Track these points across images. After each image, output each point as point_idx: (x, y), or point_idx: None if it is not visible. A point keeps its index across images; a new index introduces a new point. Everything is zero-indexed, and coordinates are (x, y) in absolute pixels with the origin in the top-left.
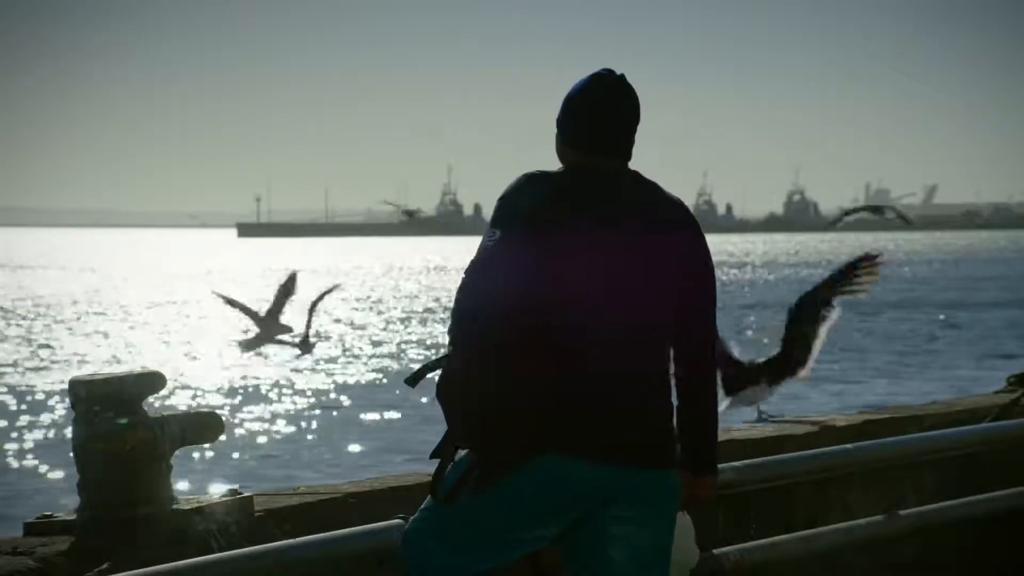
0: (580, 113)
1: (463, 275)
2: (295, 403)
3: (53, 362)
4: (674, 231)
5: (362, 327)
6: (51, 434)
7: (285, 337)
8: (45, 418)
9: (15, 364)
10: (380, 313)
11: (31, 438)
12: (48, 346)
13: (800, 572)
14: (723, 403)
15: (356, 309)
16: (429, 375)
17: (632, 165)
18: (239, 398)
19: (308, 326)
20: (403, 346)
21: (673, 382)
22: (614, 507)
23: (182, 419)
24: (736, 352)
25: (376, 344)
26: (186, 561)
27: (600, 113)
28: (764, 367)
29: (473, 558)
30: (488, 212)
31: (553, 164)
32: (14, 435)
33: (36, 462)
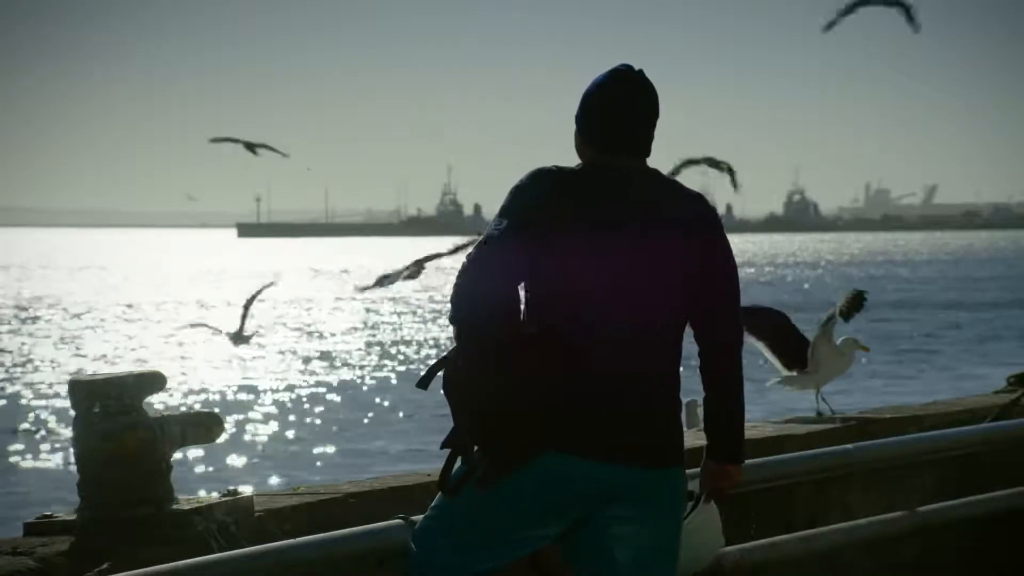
0: (597, 110)
1: (464, 263)
2: (295, 403)
3: (53, 362)
4: (686, 229)
5: (362, 327)
6: (51, 434)
7: (220, 327)
8: (45, 418)
9: (15, 364)
10: (380, 313)
11: (31, 438)
12: (48, 345)
13: (800, 572)
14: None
15: (356, 309)
16: (439, 374)
17: None
18: (239, 398)
19: (243, 320)
20: (404, 346)
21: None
22: (616, 506)
23: (182, 419)
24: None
25: (376, 344)
26: (186, 561)
27: (617, 110)
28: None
29: (479, 556)
30: (488, 212)
31: (554, 162)
32: (14, 435)
33: (36, 462)
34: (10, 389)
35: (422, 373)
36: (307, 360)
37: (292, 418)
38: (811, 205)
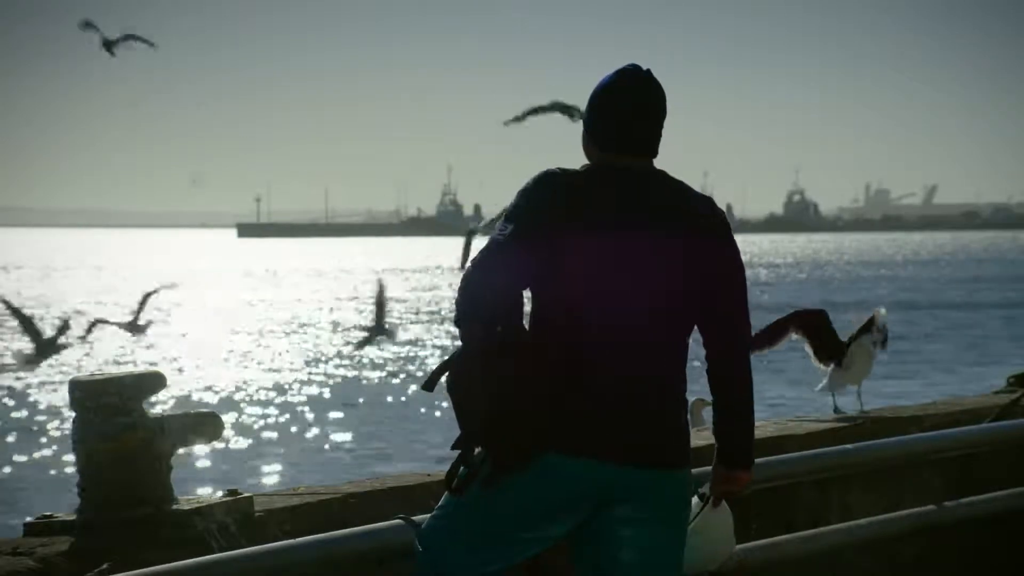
0: (605, 110)
1: (469, 266)
2: (295, 403)
3: (53, 362)
4: (695, 233)
5: (362, 327)
6: (51, 434)
7: (113, 319)
8: (45, 418)
9: (15, 364)
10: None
11: (31, 438)
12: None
13: (801, 572)
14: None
15: (356, 309)
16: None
17: None
18: (239, 398)
19: (139, 312)
20: (403, 346)
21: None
22: (621, 507)
23: (182, 419)
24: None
25: (377, 344)
26: (186, 561)
27: (625, 109)
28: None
29: (484, 557)
30: (488, 212)
31: (555, 163)
32: (14, 435)
33: (36, 462)
34: (10, 389)
35: (426, 375)
36: (307, 360)
37: (292, 418)
38: (811, 205)
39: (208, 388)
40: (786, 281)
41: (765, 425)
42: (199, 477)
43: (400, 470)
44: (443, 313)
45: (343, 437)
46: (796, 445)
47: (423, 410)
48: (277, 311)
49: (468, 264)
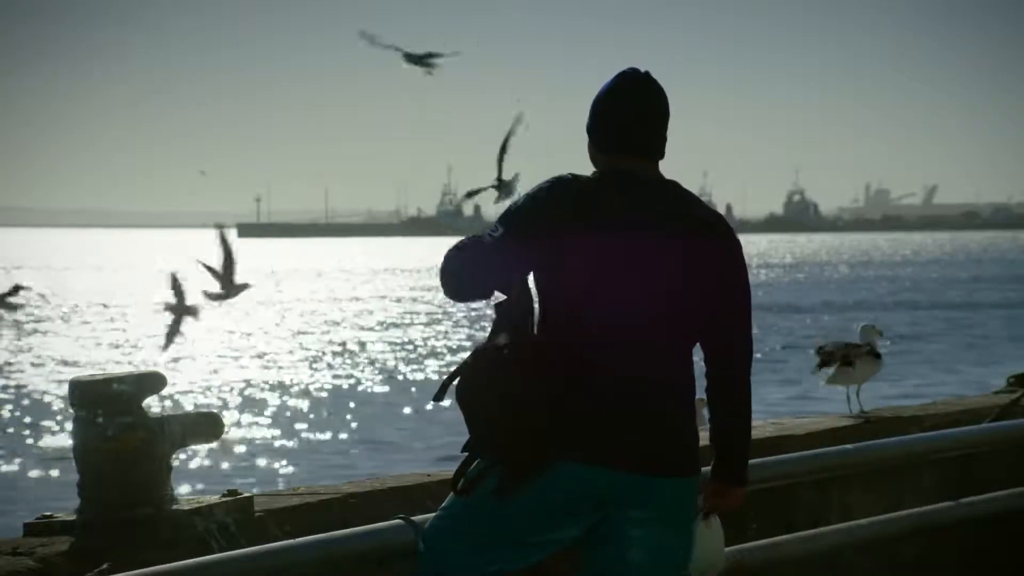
0: (608, 114)
1: (454, 251)
2: (295, 403)
3: (53, 362)
4: (695, 236)
5: (361, 327)
6: (51, 434)
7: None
8: (45, 418)
9: (15, 364)
10: (380, 313)
11: (31, 438)
12: (48, 346)
13: (801, 572)
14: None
15: (356, 309)
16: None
17: None
18: (239, 398)
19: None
20: (403, 346)
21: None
22: (630, 511)
23: (182, 419)
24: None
25: (376, 344)
26: (186, 561)
27: (628, 112)
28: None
29: (489, 559)
30: (487, 213)
31: (554, 165)
32: (14, 435)
33: (36, 462)
34: (10, 389)
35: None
36: (307, 360)
37: (292, 418)
38: (811, 205)
39: (208, 388)
40: (786, 281)
41: (765, 425)
42: (199, 477)
43: (400, 470)
44: (443, 313)
45: (343, 437)
46: (796, 445)
47: (423, 410)
48: (277, 311)
49: (454, 249)
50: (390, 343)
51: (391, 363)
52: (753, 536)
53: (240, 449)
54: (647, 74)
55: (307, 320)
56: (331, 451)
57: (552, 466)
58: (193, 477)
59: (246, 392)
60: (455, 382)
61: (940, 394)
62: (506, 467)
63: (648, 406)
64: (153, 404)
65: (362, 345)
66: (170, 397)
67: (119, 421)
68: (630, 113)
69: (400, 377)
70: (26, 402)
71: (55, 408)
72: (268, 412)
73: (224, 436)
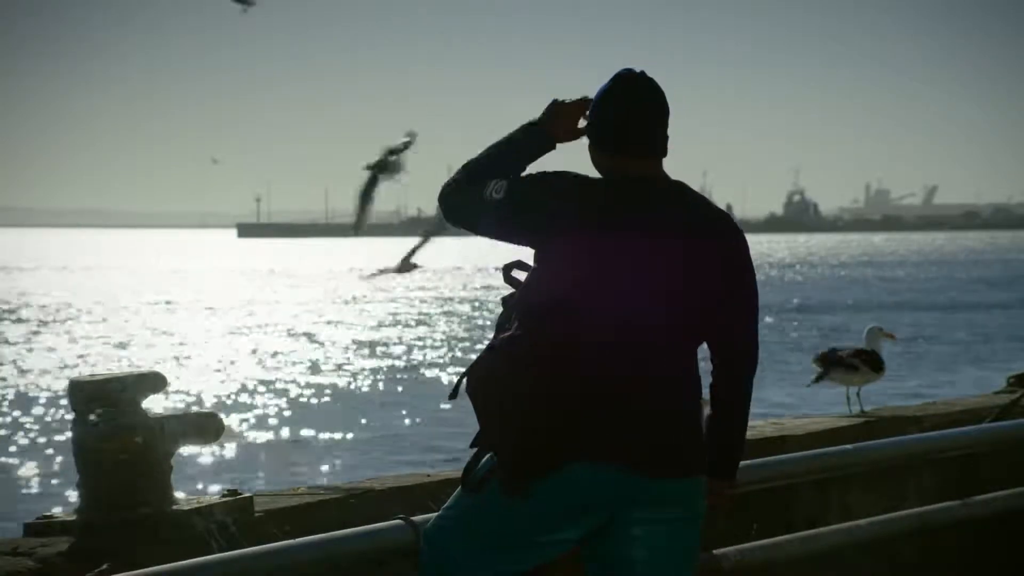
0: (607, 115)
1: (452, 187)
2: (295, 403)
3: (53, 362)
4: (700, 241)
5: (361, 327)
6: (51, 434)
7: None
8: (45, 418)
9: (15, 364)
10: (379, 313)
11: (31, 438)
12: (48, 346)
13: (800, 573)
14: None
15: (355, 310)
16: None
17: None
18: (239, 398)
19: None
20: (404, 346)
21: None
22: (637, 511)
23: (182, 419)
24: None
25: (377, 344)
26: (186, 561)
27: (627, 111)
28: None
29: (495, 559)
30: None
31: (555, 164)
32: (14, 435)
33: (36, 462)
34: (10, 389)
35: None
36: (307, 360)
37: (292, 418)
38: (811, 205)
39: (208, 388)
40: (785, 281)
41: (765, 425)
42: (199, 477)
43: (400, 470)
44: (443, 313)
45: (344, 437)
46: (796, 445)
47: (424, 410)
48: (277, 311)
49: (452, 184)
50: (390, 343)
51: (391, 363)
52: (753, 536)
53: (240, 449)
54: (643, 73)
55: (307, 320)
56: (331, 451)
57: (562, 466)
58: (193, 477)
59: (246, 392)
60: (467, 377)
61: (940, 394)
62: (515, 466)
63: (652, 406)
64: (153, 404)
65: (362, 345)
66: (170, 397)
67: (119, 421)
68: (626, 111)
69: (400, 377)
70: (26, 402)
71: (55, 408)
72: (268, 412)
73: (224, 436)
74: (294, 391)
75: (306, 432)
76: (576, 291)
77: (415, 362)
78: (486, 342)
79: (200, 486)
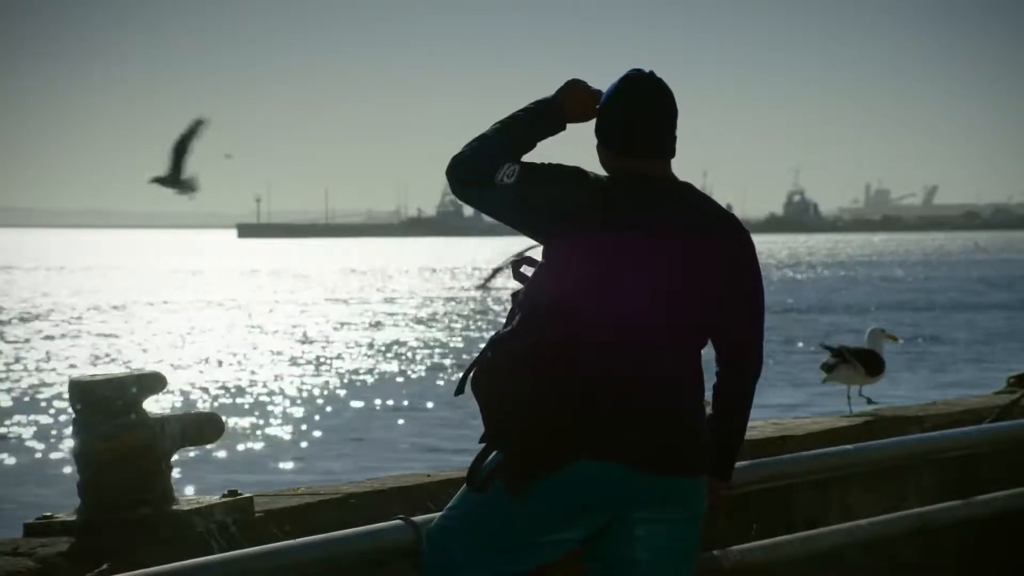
0: (615, 115)
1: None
2: (295, 403)
3: (53, 362)
4: (701, 241)
5: (361, 327)
6: (51, 434)
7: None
8: (45, 418)
9: (15, 364)
10: (380, 313)
11: (31, 438)
12: (48, 346)
13: (800, 573)
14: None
15: (355, 310)
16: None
17: None
18: (239, 398)
19: None
20: (404, 347)
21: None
22: (640, 511)
23: (182, 419)
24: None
25: (376, 344)
26: (186, 561)
27: (635, 111)
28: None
29: (496, 559)
30: (467, 212)
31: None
32: (14, 435)
33: (36, 462)
34: (10, 389)
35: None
36: (307, 360)
37: (292, 418)
38: (811, 205)
39: (208, 388)
40: (785, 281)
41: (765, 425)
42: (199, 477)
43: (400, 470)
44: (444, 313)
45: (343, 437)
46: (796, 445)
47: (423, 410)
48: (277, 311)
49: (461, 159)
50: (390, 343)
51: (391, 363)
52: (753, 536)
53: (240, 449)
54: (651, 73)
55: (307, 320)
56: (331, 451)
57: (566, 465)
58: (193, 477)
59: (246, 392)
60: (472, 373)
61: (940, 394)
62: (519, 464)
63: (653, 406)
64: (153, 404)
65: (362, 345)
66: (170, 397)
67: (119, 421)
68: (632, 112)
69: (400, 377)
70: (26, 402)
71: (55, 408)
72: (268, 412)
73: (224, 436)
74: (294, 391)
75: (306, 432)
76: (577, 291)
77: (415, 362)
78: None
79: (200, 486)
